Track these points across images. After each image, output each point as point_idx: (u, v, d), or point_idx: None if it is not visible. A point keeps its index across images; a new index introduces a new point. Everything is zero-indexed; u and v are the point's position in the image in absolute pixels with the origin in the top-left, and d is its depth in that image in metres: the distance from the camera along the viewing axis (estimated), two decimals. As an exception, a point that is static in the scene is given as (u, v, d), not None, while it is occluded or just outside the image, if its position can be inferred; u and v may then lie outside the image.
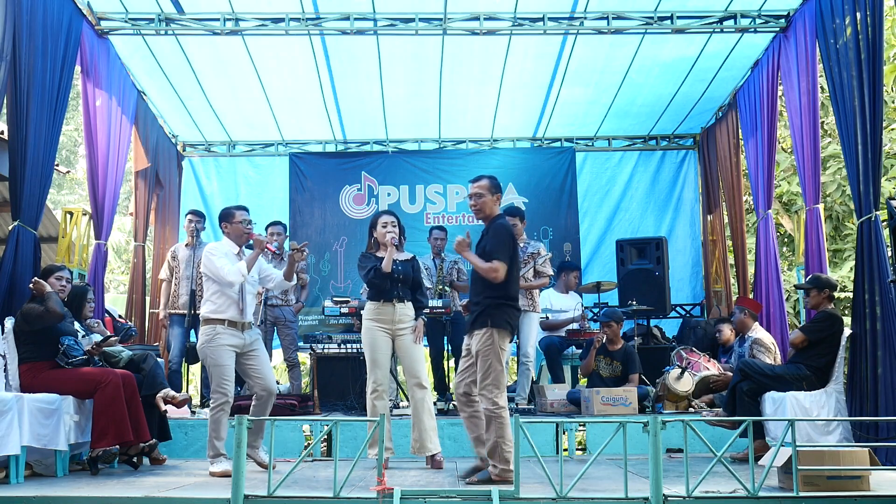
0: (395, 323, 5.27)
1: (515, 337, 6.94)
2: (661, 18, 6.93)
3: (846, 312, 8.15)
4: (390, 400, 7.23)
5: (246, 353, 5.00)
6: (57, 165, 7.42)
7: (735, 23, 6.98)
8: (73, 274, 5.85)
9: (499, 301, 4.49)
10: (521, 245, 6.93)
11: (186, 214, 7.62)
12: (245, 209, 5.19)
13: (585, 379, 7.26)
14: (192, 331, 7.36)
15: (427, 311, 5.69)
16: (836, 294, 5.66)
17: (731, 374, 6.31)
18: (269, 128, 9.27)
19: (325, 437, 6.28)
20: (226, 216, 5.14)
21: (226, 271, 4.88)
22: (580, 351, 7.52)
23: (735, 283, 8.71)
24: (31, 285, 4.90)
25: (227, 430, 4.85)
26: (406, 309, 5.32)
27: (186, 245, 7.40)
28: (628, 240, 8.64)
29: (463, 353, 4.69)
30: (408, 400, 6.98)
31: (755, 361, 5.86)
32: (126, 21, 6.89)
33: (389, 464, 5.20)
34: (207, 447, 4.92)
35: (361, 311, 6.74)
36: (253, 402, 5.08)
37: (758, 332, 6.57)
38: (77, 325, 5.26)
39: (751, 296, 7.78)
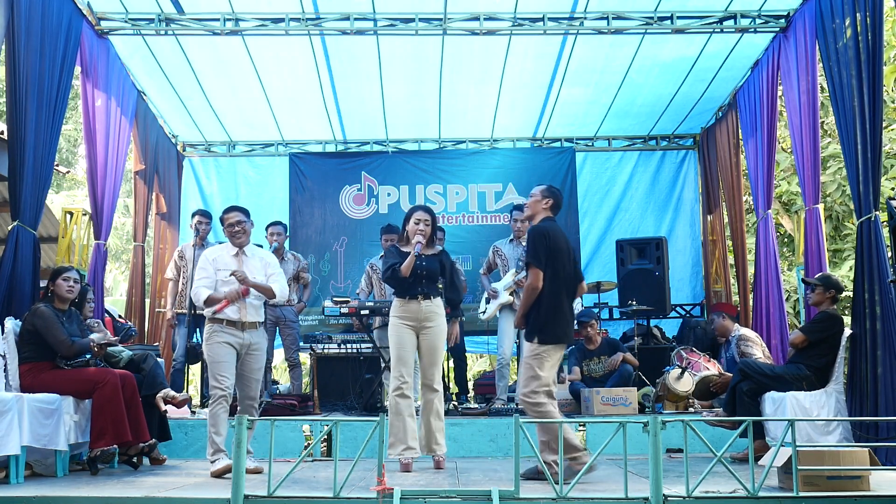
0: (421, 321, 5.13)
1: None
2: (661, 18, 6.93)
3: (846, 312, 8.15)
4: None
5: (245, 353, 4.95)
6: (57, 165, 7.42)
7: (735, 23, 6.98)
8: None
9: (540, 316, 4.56)
10: (524, 245, 6.95)
11: (193, 215, 7.60)
12: (238, 209, 5.12)
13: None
14: (197, 330, 7.36)
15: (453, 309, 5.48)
16: (839, 297, 5.67)
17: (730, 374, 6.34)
18: (269, 128, 9.27)
19: (325, 437, 6.28)
20: (221, 219, 5.17)
21: (195, 286, 4.98)
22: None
23: (735, 283, 8.71)
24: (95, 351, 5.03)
25: (226, 427, 4.82)
26: (433, 306, 5.15)
27: (194, 245, 7.40)
28: (628, 240, 8.64)
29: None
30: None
31: (755, 361, 5.87)
32: (126, 21, 6.89)
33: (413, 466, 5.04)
34: (207, 445, 4.86)
35: (362, 312, 6.77)
36: (238, 407, 5.05)
37: (740, 329, 6.67)
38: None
39: (751, 296, 7.80)
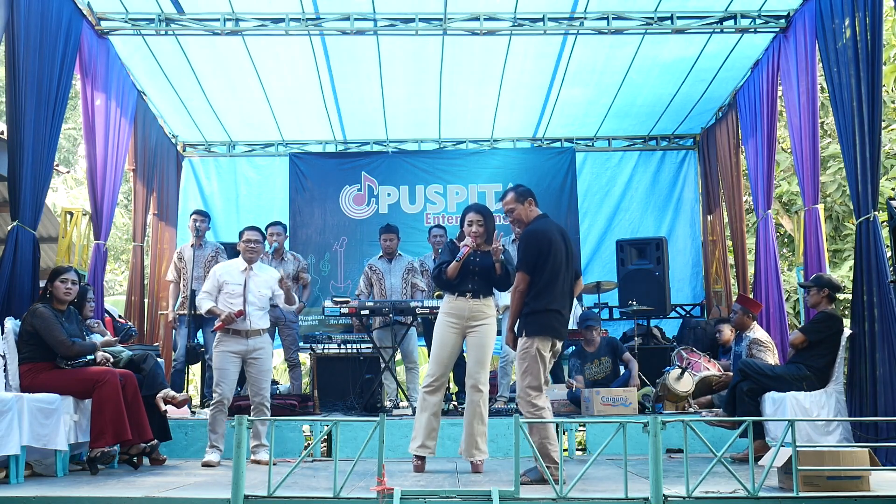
0: (468, 319, 4.88)
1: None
2: (661, 19, 6.92)
3: (845, 313, 8.15)
4: (390, 400, 7.25)
5: (248, 358, 5.50)
6: (57, 165, 7.41)
7: (735, 23, 6.98)
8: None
9: (528, 310, 4.54)
10: None
11: (191, 215, 7.60)
12: (258, 230, 5.74)
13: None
14: (199, 331, 7.35)
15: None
16: (837, 296, 5.64)
17: (730, 373, 6.32)
18: (269, 128, 9.27)
19: (325, 437, 6.28)
20: (239, 234, 5.74)
21: (199, 296, 5.64)
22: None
23: (735, 283, 8.71)
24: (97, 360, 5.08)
25: (221, 426, 5.42)
26: (481, 305, 4.90)
27: (192, 245, 7.39)
28: (628, 240, 8.64)
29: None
30: (408, 400, 7.00)
31: (755, 361, 5.85)
32: (126, 21, 6.88)
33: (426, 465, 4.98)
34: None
35: (362, 312, 6.76)
36: (251, 406, 5.58)
37: (756, 331, 6.55)
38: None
39: (751, 295, 7.78)
